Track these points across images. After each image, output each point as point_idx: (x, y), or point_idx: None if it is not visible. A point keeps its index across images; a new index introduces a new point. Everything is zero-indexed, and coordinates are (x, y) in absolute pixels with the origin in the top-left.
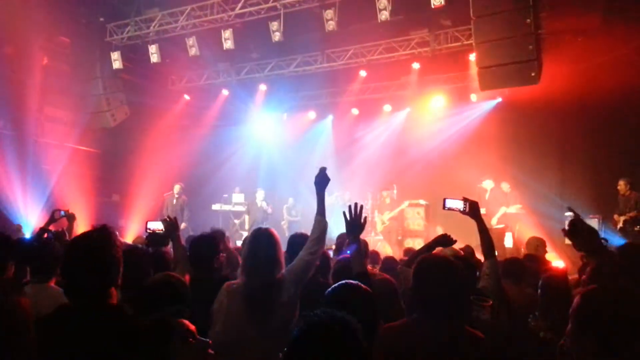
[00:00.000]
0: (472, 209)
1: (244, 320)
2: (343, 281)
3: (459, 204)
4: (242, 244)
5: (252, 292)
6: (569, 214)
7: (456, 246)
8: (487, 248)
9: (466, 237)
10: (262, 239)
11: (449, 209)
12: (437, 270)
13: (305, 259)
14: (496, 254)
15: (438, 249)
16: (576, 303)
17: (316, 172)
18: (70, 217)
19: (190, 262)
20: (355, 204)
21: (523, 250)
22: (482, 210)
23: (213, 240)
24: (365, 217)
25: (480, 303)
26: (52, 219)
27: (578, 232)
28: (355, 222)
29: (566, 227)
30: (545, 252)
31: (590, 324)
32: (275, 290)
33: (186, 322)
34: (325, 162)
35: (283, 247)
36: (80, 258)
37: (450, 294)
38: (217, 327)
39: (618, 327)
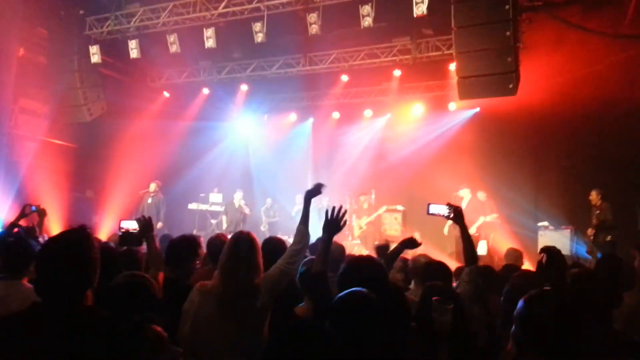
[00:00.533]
0: (457, 215)
1: (215, 322)
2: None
3: (443, 210)
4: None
5: (227, 295)
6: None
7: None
8: (469, 255)
9: (442, 243)
10: (242, 243)
11: (433, 214)
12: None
13: (283, 269)
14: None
15: (413, 254)
16: (520, 307)
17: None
18: (41, 212)
19: (168, 262)
20: (340, 207)
21: (497, 259)
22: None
23: (194, 242)
24: (345, 221)
25: (442, 305)
26: (22, 214)
27: (552, 268)
28: (335, 223)
29: (542, 260)
30: (523, 263)
31: (532, 327)
32: (251, 295)
33: (159, 329)
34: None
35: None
36: (60, 257)
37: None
38: (186, 326)
39: (557, 331)
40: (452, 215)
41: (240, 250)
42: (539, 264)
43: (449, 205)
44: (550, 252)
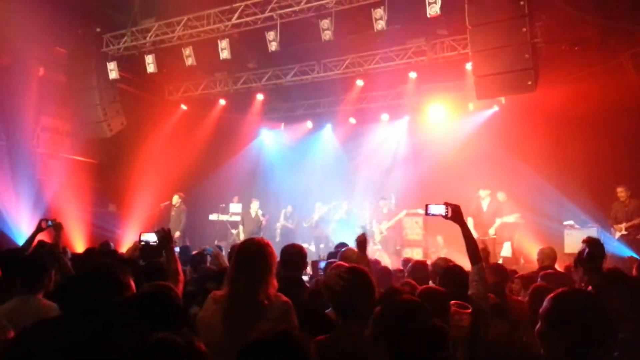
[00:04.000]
0: (455, 214)
1: (221, 333)
2: None
3: (441, 209)
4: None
5: (230, 307)
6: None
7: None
8: (473, 254)
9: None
10: (245, 251)
11: (433, 214)
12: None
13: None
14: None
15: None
16: (547, 304)
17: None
18: (58, 226)
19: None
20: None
21: (522, 260)
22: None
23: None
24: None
25: (460, 310)
26: (39, 228)
27: (591, 264)
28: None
29: (583, 256)
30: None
31: (558, 325)
32: (253, 309)
33: (202, 345)
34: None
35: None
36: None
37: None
38: (201, 338)
39: (584, 328)
40: (449, 215)
41: (241, 260)
42: (579, 254)
43: (447, 204)
44: (591, 243)
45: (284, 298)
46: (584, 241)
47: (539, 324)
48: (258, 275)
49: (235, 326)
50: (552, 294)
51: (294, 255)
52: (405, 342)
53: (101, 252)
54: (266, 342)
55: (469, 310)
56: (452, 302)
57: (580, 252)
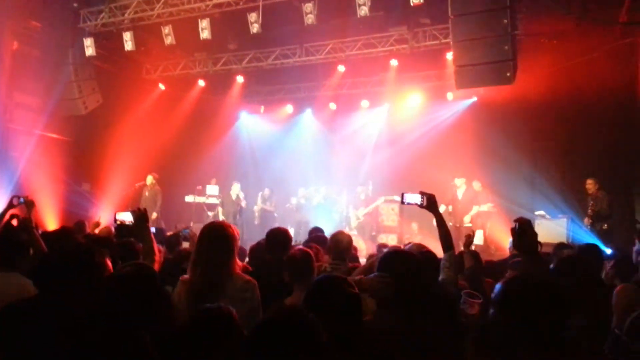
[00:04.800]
0: (430, 203)
1: (185, 310)
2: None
3: (416, 198)
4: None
5: (193, 289)
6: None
7: (428, 242)
8: (445, 241)
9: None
10: (206, 235)
11: (408, 203)
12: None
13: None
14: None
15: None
16: (498, 290)
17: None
18: (29, 204)
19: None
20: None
21: (493, 248)
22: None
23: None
24: None
25: (470, 299)
26: (10, 205)
27: (524, 235)
28: None
29: (514, 226)
30: None
31: (512, 309)
32: (215, 293)
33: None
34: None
35: (258, 237)
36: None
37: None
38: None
39: (539, 311)
40: (425, 204)
41: (203, 242)
42: (512, 230)
43: (422, 193)
44: (521, 222)
45: (247, 277)
46: (515, 220)
47: (491, 310)
48: (220, 256)
49: (196, 305)
50: (503, 280)
51: (279, 237)
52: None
53: (76, 231)
54: (275, 321)
55: (480, 300)
56: (464, 291)
57: (512, 229)
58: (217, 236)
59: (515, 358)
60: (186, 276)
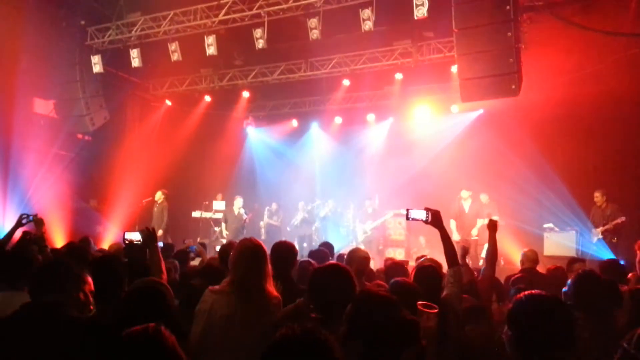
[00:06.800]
0: (435, 219)
1: (226, 322)
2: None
3: (421, 214)
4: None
5: (237, 297)
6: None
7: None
8: (450, 257)
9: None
10: (249, 252)
11: (413, 219)
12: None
13: None
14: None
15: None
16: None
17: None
18: (38, 222)
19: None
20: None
21: (502, 262)
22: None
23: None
24: None
25: (426, 310)
26: (19, 224)
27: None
28: None
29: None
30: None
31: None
32: (259, 304)
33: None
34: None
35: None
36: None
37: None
38: (199, 327)
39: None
40: (430, 220)
41: (242, 257)
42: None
43: (427, 209)
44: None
45: (276, 292)
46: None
47: (505, 328)
48: (259, 272)
49: (241, 316)
50: (516, 297)
51: (284, 252)
52: (378, 336)
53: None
54: (292, 340)
55: (435, 311)
56: (419, 302)
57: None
58: (257, 252)
59: None
60: (217, 287)
